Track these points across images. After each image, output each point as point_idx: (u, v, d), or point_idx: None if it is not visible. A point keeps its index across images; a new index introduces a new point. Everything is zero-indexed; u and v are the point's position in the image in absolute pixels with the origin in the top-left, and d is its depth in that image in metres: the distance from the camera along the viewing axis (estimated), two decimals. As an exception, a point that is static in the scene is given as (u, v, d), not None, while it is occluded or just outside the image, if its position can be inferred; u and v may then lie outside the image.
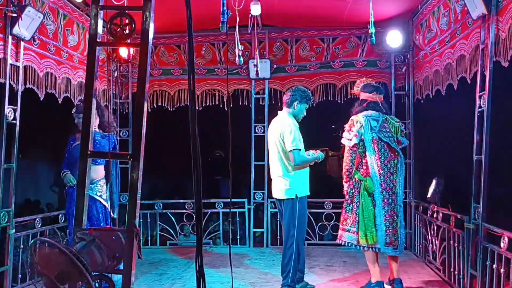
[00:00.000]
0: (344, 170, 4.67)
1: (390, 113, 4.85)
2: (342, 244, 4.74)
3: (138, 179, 2.74)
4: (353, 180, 4.63)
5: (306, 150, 4.76)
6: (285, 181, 4.65)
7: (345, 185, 4.70)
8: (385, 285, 4.71)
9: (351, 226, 4.60)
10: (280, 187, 4.69)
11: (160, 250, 7.11)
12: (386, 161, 4.57)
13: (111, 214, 4.86)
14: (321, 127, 5.37)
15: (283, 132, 4.60)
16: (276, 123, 4.78)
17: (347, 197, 4.67)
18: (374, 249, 4.54)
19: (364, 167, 4.59)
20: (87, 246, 2.58)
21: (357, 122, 4.62)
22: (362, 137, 4.58)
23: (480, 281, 4.13)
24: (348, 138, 4.62)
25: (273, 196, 4.86)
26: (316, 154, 4.75)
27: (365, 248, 4.56)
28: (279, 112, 4.89)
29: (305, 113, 4.83)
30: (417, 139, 6.86)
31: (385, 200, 4.54)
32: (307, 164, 4.72)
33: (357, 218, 4.56)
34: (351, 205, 4.62)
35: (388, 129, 4.67)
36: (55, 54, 5.39)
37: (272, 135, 4.74)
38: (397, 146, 4.65)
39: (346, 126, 4.69)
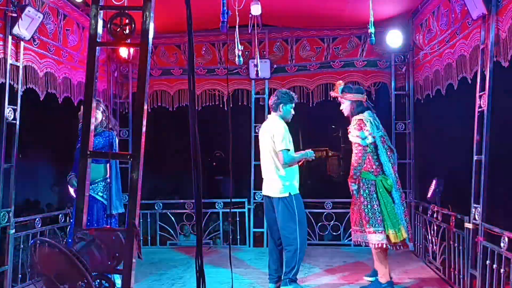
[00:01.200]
0: (354, 171, 4.63)
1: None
2: (362, 245, 4.73)
3: (138, 179, 2.74)
4: (364, 180, 4.61)
5: (304, 150, 4.88)
6: (279, 181, 4.74)
7: (354, 185, 4.66)
8: (365, 277, 4.97)
9: (376, 227, 4.53)
10: (274, 186, 4.77)
11: (160, 250, 7.11)
12: (390, 158, 4.67)
13: (111, 211, 4.78)
14: (321, 127, 5.36)
15: (274, 134, 4.73)
16: (266, 126, 4.90)
17: (362, 198, 4.60)
18: (401, 246, 4.57)
19: (374, 166, 4.60)
20: (87, 246, 2.58)
21: (367, 121, 4.62)
22: (374, 135, 4.61)
23: (480, 281, 4.13)
24: (362, 137, 4.60)
25: (265, 193, 4.87)
26: (303, 152, 4.84)
27: (396, 247, 4.55)
28: (268, 116, 5.01)
29: (293, 112, 4.91)
30: (417, 139, 6.87)
31: (402, 197, 4.65)
32: (295, 163, 4.79)
33: (381, 217, 4.52)
34: (368, 206, 4.57)
35: (383, 127, 4.79)
36: (55, 54, 5.39)
37: (264, 137, 4.86)
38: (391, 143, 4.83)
39: (354, 126, 4.67)
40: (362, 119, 4.64)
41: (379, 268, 4.68)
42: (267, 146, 4.79)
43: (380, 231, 4.51)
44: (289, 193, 4.71)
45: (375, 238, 4.53)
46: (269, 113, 5.03)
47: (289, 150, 4.69)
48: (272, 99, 4.90)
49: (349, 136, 4.70)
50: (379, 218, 4.52)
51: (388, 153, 4.66)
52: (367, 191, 4.59)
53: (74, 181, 4.60)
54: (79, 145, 4.60)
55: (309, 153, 4.85)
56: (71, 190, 4.80)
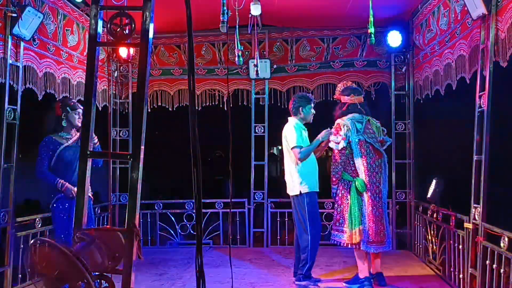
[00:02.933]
0: (333, 173, 4.86)
1: (370, 114, 5.03)
2: (336, 244, 4.96)
3: (138, 179, 2.74)
4: (343, 181, 4.83)
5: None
6: (293, 179, 5.01)
7: (334, 188, 4.89)
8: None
9: (343, 226, 4.81)
10: (290, 185, 5.05)
11: (160, 250, 7.11)
12: (371, 162, 4.79)
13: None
14: (321, 127, 5.36)
15: (285, 135, 5.02)
16: (284, 129, 5.15)
17: (337, 198, 4.88)
18: (358, 246, 4.77)
19: (353, 168, 4.80)
20: (87, 246, 2.57)
21: (344, 125, 4.81)
22: (349, 139, 4.77)
23: (480, 281, 4.13)
24: (336, 142, 4.81)
25: (287, 192, 5.16)
26: (317, 138, 4.96)
27: (356, 247, 4.77)
28: (288, 118, 5.22)
29: (313, 111, 5.15)
30: (417, 139, 6.86)
31: (371, 200, 4.75)
32: (311, 153, 4.98)
33: (347, 218, 4.77)
34: (341, 206, 4.84)
35: (371, 130, 4.90)
36: (55, 54, 5.39)
37: (282, 140, 5.13)
38: (380, 146, 4.89)
39: (332, 130, 4.89)
40: (340, 123, 4.83)
41: (358, 263, 4.87)
42: (284, 148, 5.09)
43: (343, 231, 4.79)
44: (300, 191, 4.94)
45: (340, 237, 4.83)
46: (289, 115, 5.23)
47: (301, 146, 4.90)
48: (291, 105, 5.15)
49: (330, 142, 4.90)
50: (347, 219, 4.76)
51: (365, 157, 4.74)
52: (343, 192, 4.82)
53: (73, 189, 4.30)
54: (65, 144, 4.47)
55: (324, 137, 4.93)
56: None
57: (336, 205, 4.90)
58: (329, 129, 4.95)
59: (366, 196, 4.74)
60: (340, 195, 4.82)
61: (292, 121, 5.10)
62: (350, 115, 4.86)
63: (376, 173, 4.78)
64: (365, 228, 4.71)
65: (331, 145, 4.85)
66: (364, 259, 4.81)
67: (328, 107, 5.77)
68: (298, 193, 4.95)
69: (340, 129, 4.79)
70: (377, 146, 4.84)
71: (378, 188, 4.78)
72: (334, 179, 4.84)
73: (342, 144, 4.75)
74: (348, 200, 4.75)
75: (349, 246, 4.80)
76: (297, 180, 4.95)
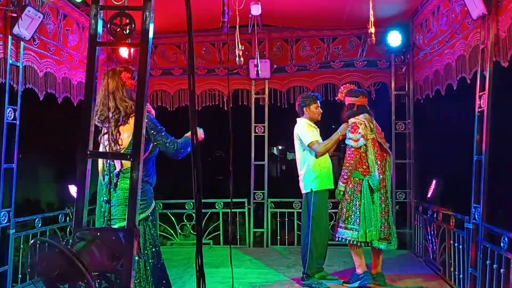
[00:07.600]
0: (345, 171, 4.83)
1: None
2: (340, 241, 4.93)
3: (138, 179, 2.73)
4: (352, 179, 4.81)
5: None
6: (304, 178, 5.07)
7: (342, 186, 4.86)
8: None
9: (353, 225, 4.77)
10: (302, 183, 5.12)
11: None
12: (380, 161, 4.82)
13: None
14: (321, 127, 5.36)
15: (298, 133, 5.09)
16: (294, 130, 5.21)
17: (346, 196, 4.84)
18: (369, 244, 4.77)
19: (364, 167, 4.80)
20: (87, 246, 2.57)
21: (360, 124, 4.81)
22: (367, 138, 4.78)
23: (480, 281, 4.13)
24: (355, 140, 4.79)
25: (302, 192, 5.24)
26: (334, 134, 5.00)
27: (361, 244, 4.77)
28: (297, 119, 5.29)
29: (320, 110, 5.21)
30: (417, 139, 6.87)
31: (382, 198, 4.80)
32: (330, 147, 5.05)
33: (360, 217, 4.73)
34: (351, 204, 4.81)
35: (379, 130, 4.96)
36: (55, 54, 5.39)
37: (295, 140, 5.18)
38: (387, 146, 4.94)
39: (349, 129, 4.87)
40: (356, 122, 4.84)
41: (355, 259, 4.89)
42: (296, 147, 5.15)
43: (355, 230, 4.75)
44: (311, 189, 4.99)
45: (350, 235, 4.79)
46: (298, 116, 5.28)
47: (317, 141, 4.99)
48: (297, 106, 5.26)
49: (346, 140, 4.88)
50: (358, 217, 4.75)
51: (378, 156, 4.80)
52: (353, 190, 4.81)
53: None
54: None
55: (340, 130, 4.97)
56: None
57: (345, 203, 4.85)
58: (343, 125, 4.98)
59: (378, 194, 4.76)
60: (350, 193, 4.81)
61: (301, 121, 5.17)
62: (361, 115, 4.89)
63: (383, 172, 4.83)
64: (376, 225, 4.72)
65: (349, 142, 4.83)
66: (361, 255, 4.84)
67: (328, 106, 5.78)
68: (309, 190, 5.01)
69: (358, 127, 4.79)
70: (385, 146, 4.90)
71: (385, 187, 4.85)
72: (345, 176, 4.83)
73: (362, 142, 4.76)
74: (359, 198, 4.75)
75: (359, 244, 4.77)
76: (308, 178, 5.02)
